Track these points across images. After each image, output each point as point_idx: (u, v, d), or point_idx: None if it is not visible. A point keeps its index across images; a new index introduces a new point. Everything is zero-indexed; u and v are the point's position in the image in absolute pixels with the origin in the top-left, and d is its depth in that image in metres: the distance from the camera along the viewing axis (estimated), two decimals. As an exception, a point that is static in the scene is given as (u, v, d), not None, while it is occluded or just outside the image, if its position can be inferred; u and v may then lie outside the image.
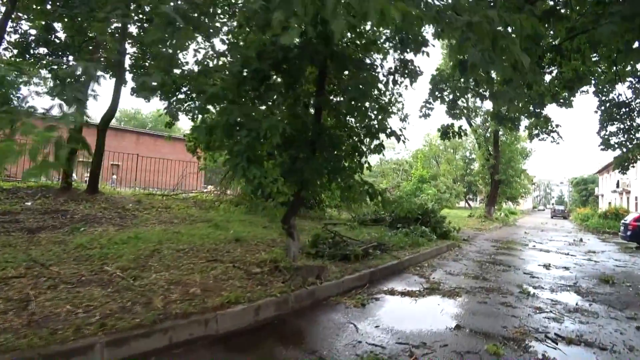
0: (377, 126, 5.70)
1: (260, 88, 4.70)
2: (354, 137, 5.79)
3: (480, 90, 7.10)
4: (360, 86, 5.14)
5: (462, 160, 42.24)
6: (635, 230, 12.43)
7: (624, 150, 10.42)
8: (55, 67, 9.83)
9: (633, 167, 11.82)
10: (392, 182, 35.86)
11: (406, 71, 6.36)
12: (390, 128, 5.69)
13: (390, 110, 6.55)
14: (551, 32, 5.86)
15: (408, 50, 5.76)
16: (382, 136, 5.85)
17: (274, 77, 5.08)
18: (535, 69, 4.56)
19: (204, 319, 3.29)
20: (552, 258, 9.20)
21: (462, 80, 6.75)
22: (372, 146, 6.00)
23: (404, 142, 6.02)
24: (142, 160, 15.70)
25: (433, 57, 67.59)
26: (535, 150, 25.52)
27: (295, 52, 4.63)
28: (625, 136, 10.24)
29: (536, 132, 10.54)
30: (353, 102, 5.35)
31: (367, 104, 5.53)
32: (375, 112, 5.74)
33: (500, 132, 20.94)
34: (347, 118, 5.86)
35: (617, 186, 31.45)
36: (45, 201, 8.91)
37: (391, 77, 6.28)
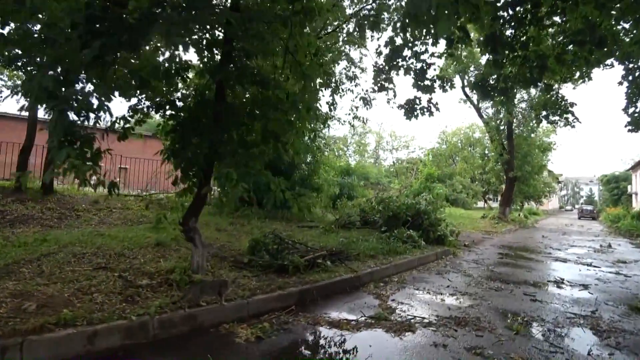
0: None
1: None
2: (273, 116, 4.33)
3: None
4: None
5: (480, 158, 39.58)
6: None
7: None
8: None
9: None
10: (405, 182, 33.87)
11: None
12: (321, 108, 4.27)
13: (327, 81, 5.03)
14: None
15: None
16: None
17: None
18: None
19: (1, 346, 2.55)
20: (569, 271, 7.32)
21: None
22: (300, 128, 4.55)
23: (351, 124, 4.62)
24: (148, 163, 14.92)
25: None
26: (557, 144, 22.78)
27: None
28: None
29: (544, 113, 8.45)
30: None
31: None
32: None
33: (515, 124, 18.69)
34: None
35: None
36: None
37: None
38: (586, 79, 6.03)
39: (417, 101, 5.96)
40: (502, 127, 18.92)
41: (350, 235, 8.67)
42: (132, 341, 3.01)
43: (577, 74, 6.20)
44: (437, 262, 7.57)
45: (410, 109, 6.00)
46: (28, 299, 3.40)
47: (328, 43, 10.14)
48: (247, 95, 4.76)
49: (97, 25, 3.13)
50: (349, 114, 12.31)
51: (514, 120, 18.49)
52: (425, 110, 6.03)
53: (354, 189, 20.15)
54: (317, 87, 5.46)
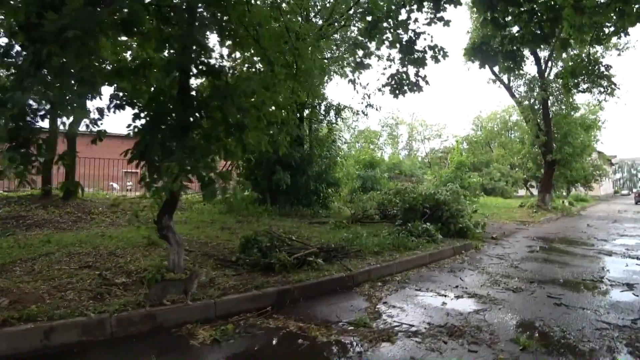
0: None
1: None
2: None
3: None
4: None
5: (520, 142, 36.89)
6: None
7: None
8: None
9: None
10: (437, 173, 32.32)
11: None
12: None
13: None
14: None
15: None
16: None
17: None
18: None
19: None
20: (612, 266, 6.26)
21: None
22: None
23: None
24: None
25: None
26: (603, 120, 19.94)
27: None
28: None
29: (574, 81, 7.15)
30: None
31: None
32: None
33: (550, 101, 16.79)
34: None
35: None
36: (15, 208, 9.00)
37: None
38: (622, 34, 4.90)
39: (404, 76, 5.20)
40: (537, 107, 17.14)
41: (362, 230, 8.11)
42: (89, 338, 3.04)
43: (609, 28, 5.05)
44: (454, 257, 6.80)
45: (396, 86, 5.26)
46: (5, 295, 3.48)
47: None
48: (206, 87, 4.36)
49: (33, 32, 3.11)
50: (362, 103, 11.63)
51: (550, 97, 16.66)
52: (414, 86, 5.25)
53: (378, 182, 19.39)
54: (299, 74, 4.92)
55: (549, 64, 17.19)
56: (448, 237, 7.94)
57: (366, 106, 11.39)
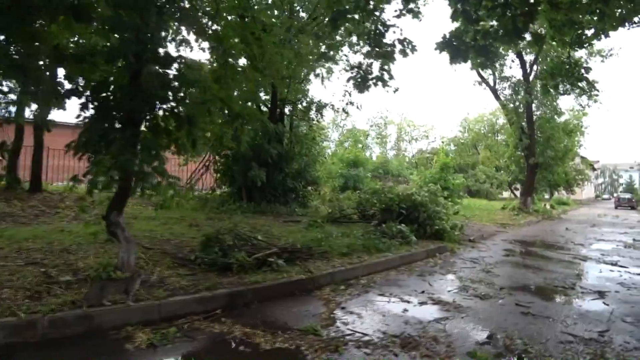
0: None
1: None
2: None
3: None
4: None
5: (506, 145, 37.22)
6: None
7: None
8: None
9: None
10: (422, 174, 32.32)
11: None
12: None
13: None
14: None
15: None
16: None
17: None
18: None
19: None
20: (587, 272, 6.11)
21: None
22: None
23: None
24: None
25: None
26: (586, 126, 20.03)
27: None
28: None
29: (552, 82, 6.96)
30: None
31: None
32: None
33: (535, 105, 16.76)
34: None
35: None
36: None
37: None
38: (602, 36, 4.70)
39: (369, 69, 4.92)
40: (521, 110, 17.11)
41: (336, 230, 7.82)
42: (18, 339, 2.84)
43: (590, 30, 4.83)
44: (427, 260, 6.56)
45: (361, 80, 4.96)
46: None
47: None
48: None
49: None
50: (342, 100, 11.34)
51: (535, 101, 16.64)
52: (378, 80, 4.96)
53: (361, 181, 19.15)
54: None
55: (534, 67, 17.19)
56: (424, 239, 7.72)
57: (347, 104, 11.09)
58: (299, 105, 12.91)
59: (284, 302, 3.97)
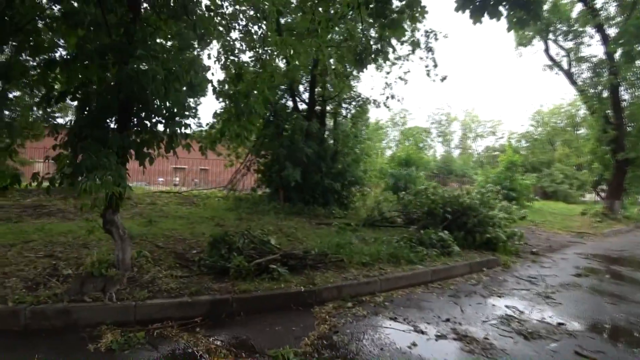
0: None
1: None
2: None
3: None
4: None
5: (587, 140, 32.47)
6: None
7: None
8: None
9: None
10: (487, 173, 29.56)
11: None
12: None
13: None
14: None
15: None
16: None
17: None
18: None
19: None
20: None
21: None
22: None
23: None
24: (202, 162, 16.09)
25: None
26: None
27: None
28: None
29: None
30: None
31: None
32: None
33: (622, 88, 13.79)
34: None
35: None
36: (41, 198, 9.47)
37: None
38: None
39: (368, 42, 4.09)
40: (605, 95, 14.26)
41: (370, 234, 7.16)
42: (3, 326, 3.00)
43: None
44: (469, 276, 5.53)
45: (359, 57, 4.12)
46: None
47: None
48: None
49: None
50: (383, 94, 10.47)
51: (622, 83, 13.70)
52: (379, 53, 4.09)
53: (413, 181, 17.84)
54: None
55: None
56: (472, 249, 6.66)
57: (387, 98, 10.19)
58: (343, 103, 12.31)
59: (274, 316, 3.48)
